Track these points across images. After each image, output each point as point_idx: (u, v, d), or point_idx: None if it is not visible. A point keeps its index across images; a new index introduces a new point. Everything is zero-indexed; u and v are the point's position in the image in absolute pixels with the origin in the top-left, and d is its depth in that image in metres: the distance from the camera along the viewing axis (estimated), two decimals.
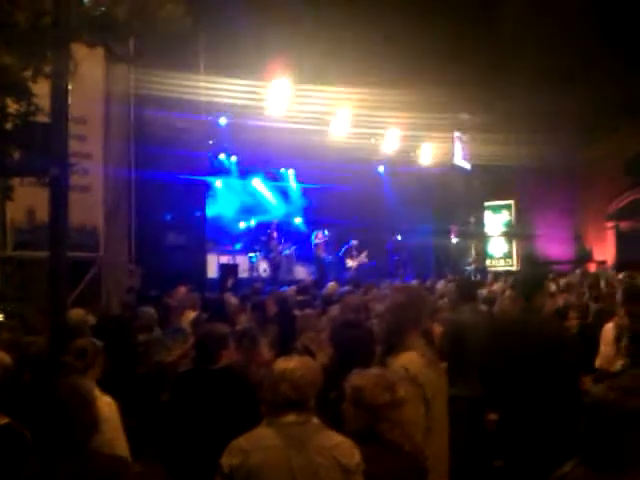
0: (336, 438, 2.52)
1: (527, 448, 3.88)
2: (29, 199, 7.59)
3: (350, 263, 17.05)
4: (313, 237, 16.66)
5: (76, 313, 5.32)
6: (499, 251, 22.84)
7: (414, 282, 11.24)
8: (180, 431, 3.85)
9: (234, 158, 16.25)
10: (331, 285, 10.41)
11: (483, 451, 4.43)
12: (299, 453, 2.45)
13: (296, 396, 2.53)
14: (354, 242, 17.25)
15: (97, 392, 3.56)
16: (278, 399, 2.53)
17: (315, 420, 2.57)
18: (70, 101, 6.08)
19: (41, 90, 5.77)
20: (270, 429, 2.53)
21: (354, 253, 17.16)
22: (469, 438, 4.36)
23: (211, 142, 14.18)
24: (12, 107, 5.76)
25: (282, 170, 18.04)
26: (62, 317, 4.85)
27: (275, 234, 15.94)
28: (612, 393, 1.97)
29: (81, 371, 3.62)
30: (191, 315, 6.82)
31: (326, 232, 17.42)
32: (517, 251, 22.60)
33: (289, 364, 2.59)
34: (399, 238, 19.17)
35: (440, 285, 10.28)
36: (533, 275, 5.22)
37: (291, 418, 2.51)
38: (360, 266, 17.06)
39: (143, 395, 6.02)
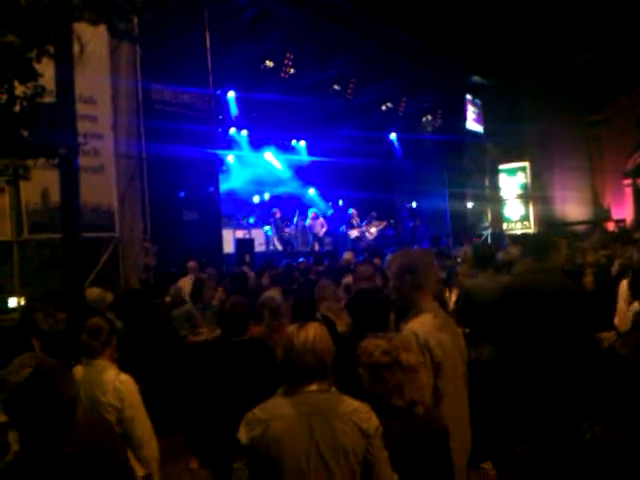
0: (354, 404, 2.53)
1: (545, 408, 3.88)
2: (43, 181, 7.60)
3: (353, 233, 16.96)
4: (309, 216, 16.50)
5: (93, 292, 5.34)
6: (516, 214, 22.70)
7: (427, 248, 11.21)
8: (208, 402, 3.88)
9: (244, 132, 16.23)
10: (347, 254, 10.42)
11: (505, 414, 4.43)
12: (320, 420, 2.45)
13: (319, 365, 2.53)
14: (353, 211, 17.18)
15: (114, 370, 3.60)
16: (300, 369, 2.52)
17: (334, 388, 2.58)
18: (78, 82, 6.09)
19: (48, 72, 5.76)
20: (287, 398, 2.52)
21: (354, 223, 17.09)
22: (491, 402, 4.35)
23: (220, 117, 14.18)
24: (19, 89, 5.75)
25: (294, 142, 18.00)
26: (78, 297, 4.90)
27: (278, 212, 15.83)
28: (625, 349, 1.94)
29: (97, 350, 3.62)
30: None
31: (330, 211, 17.43)
32: (534, 213, 22.45)
33: (309, 333, 2.58)
34: (414, 205, 19.11)
35: (458, 250, 10.25)
36: (543, 235, 5.17)
37: (313, 387, 2.51)
38: (378, 234, 17.02)
39: (169, 370, 6.10)
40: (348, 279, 6.12)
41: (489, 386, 4.33)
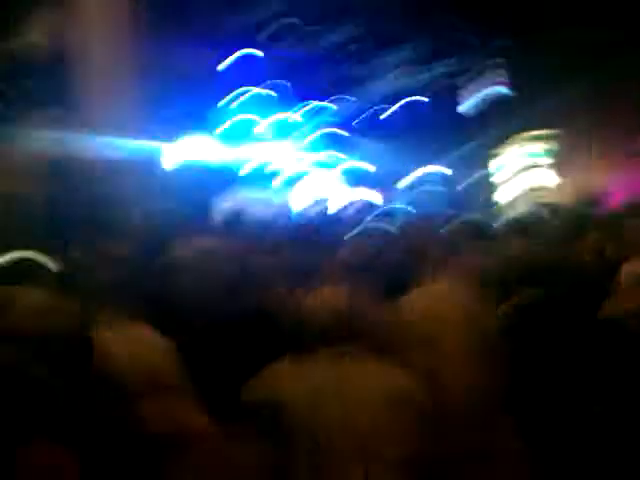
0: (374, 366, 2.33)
1: None
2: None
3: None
4: None
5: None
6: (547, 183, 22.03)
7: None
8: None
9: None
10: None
11: None
12: (350, 385, 2.34)
13: (339, 330, 2.36)
14: None
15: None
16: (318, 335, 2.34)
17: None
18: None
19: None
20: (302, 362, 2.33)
21: None
22: None
23: None
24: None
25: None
26: None
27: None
28: None
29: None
30: None
31: None
32: (565, 183, 21.78)
33: (324, 301, 2.40)
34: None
35: None
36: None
37: (332, 350, 2.32)
38: None
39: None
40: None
41: None
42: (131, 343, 2.92)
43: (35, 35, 5.78)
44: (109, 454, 2.25)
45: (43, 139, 6.64)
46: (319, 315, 2.39)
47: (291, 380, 2.32)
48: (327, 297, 2.44)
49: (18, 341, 2.28)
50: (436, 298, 3.01)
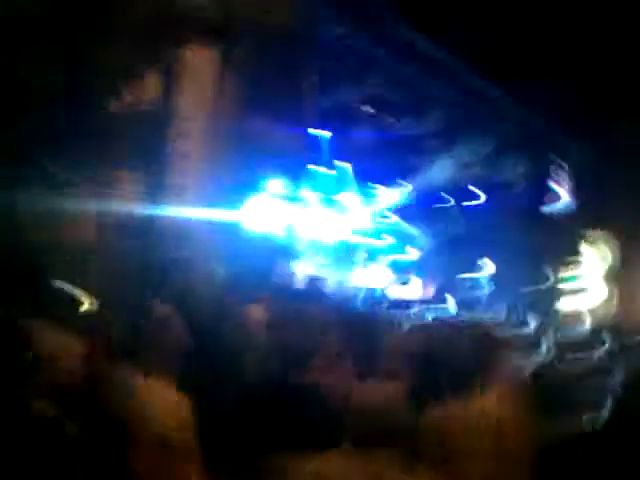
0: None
1: None
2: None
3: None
4: None
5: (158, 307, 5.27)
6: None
7: None
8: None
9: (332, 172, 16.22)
10: (415, 311, 10.14)
11: None
12: None
13: (388, 431, 2.32)
14: None
15: (172, 392, 3.43)
16: (367, 434, 2.30)
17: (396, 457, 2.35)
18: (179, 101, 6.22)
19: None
20: (346, 461, 2.30)
21: None
22: None
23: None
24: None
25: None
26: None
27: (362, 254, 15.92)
28: None
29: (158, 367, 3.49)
30: None
31: None
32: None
33: (379, 397, 2.36)
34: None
35: None
36: None
37: (380, 453, 2.29)
38: None
39: None
40: (419, 336, 5.83)
41: None
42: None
43: (135, 95, 6.03)
44: None
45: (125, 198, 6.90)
46: (364, 412, 2.33)
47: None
48: (378, 394, 2.37)
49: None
50: (496, 409, 2.91)
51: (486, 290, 17.34)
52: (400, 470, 2.27)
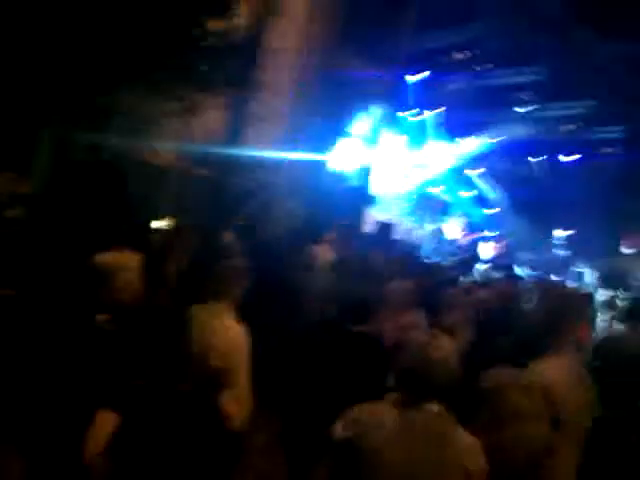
0: (467, 439, 2.27)
1: None
2: (212, 118, 7.78)
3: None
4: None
5: (226, 236, 5.36)
6: None
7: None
8: (303, 381, 3.74)
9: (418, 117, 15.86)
10: (484, 266, 9.99)
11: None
12: (427, 446, 2.22)
13: (447, 385, 2.30)
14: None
15: (231, 317, 3.48)
16: (428, 384, 2.29)
17: (450, 414, 2.33)
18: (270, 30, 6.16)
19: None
20: (398, 410, 2.31)
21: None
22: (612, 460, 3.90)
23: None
24: (213, 26, 5.88)
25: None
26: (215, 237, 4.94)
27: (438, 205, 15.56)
28: None
29: (220, 293, 3.54)
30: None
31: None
32: None
33: (447, 348, 2.32)
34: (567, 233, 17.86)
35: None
36: None
37: (432, 407, 2.29)
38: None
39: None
40: (484, 293, 5.75)
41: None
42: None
43: (235, 20, 5.96)
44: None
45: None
46: (418, 363, 2.29)
47: (376, 427, 2.25)
48: (447, 345, 2.31)
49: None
50: (565, 371, 2.84)
51: (563, 252, 16.91)
52: (449, 424, 2.29)
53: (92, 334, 2.57)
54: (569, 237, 17.40)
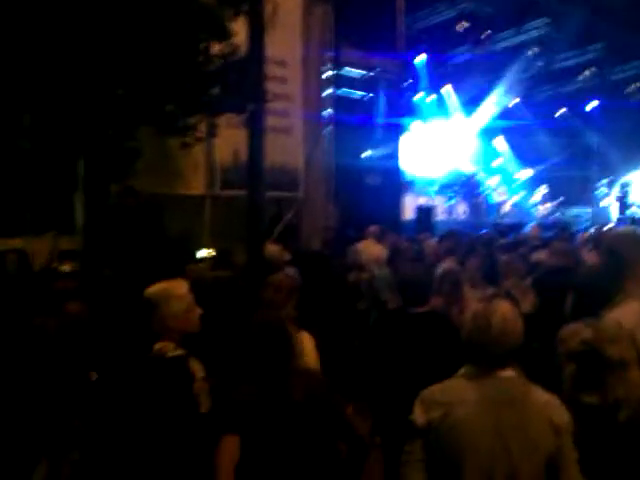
0: (545, 395, 2.24)
1: None
2: (234, 140, 7.84)
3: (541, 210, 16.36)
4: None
5: (271, 249, 5.39)
6: None
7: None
8: (379, 371, 3.72)
9: (433, 97, 15.76)
10: (532, 227, 9.81)
11: None
12: (509, 410, 2.19)
13: (514, 349, 2.27)
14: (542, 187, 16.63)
15: (293, 327, 3.52)
16: (495, 351, 2.25)
17: (522, 375, 2.30)
18: (269, 43, 6.17)
19: (242, 33, 5.88)
20: (473, 381, 2.27)
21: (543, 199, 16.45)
22: None
23: (409, 82, 13.96)
24: (215, 48, 5.94)
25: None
26: (259, 252, 4.97)
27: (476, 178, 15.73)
28: None
29: (279, 305, 3.57)
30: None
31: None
32: None
33: (507, 312, 2.29)
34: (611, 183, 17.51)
35: None
36: None
37: (504, 373, 2.26)
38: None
39: (345, 332, 6.02)
40: (539, 255, 5.65)
41: None
42: None
43: (234, 39, 6.01)
44: None
45: None
46: (484, 333, 2.26)
47: (458, 403, 2.23)
48: (504, 309, 2.27)
49: None
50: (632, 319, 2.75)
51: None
52: (526, 385, 2.26)
53: (149, 365, 2.66)
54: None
